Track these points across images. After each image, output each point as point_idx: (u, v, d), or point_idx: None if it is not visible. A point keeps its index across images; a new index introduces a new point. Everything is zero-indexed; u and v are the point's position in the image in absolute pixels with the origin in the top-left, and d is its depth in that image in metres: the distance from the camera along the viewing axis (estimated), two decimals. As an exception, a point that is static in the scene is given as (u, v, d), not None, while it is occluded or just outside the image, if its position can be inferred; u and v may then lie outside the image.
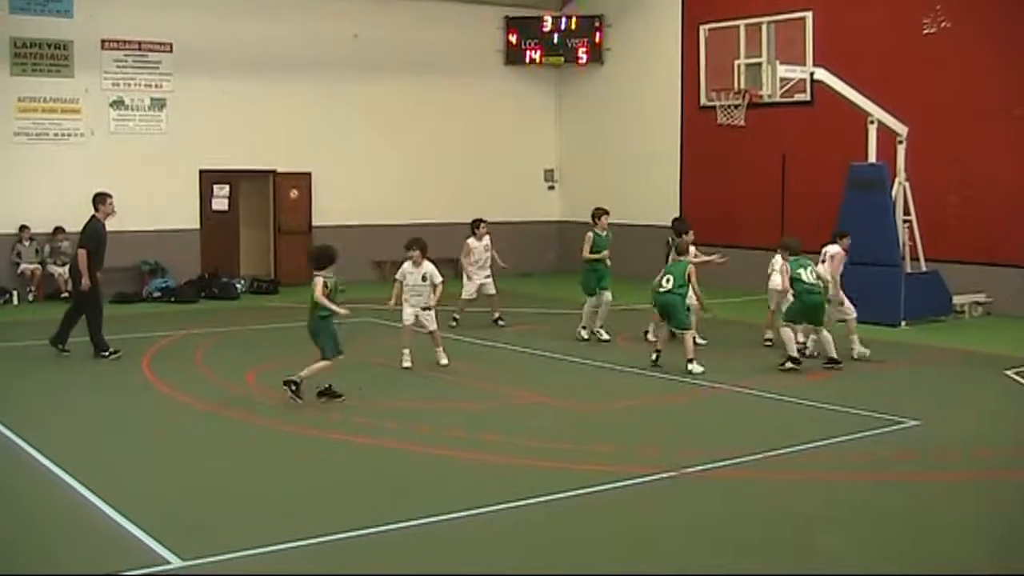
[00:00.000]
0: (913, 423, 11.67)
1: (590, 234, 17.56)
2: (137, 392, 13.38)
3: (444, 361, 14.92)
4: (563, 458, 10.14)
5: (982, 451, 10.69)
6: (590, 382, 14.47)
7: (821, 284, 14.89)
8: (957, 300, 20.13)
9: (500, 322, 19.03)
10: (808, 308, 14.72)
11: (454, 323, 18.52)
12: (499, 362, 16.03)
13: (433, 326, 14.97)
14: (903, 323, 18.90)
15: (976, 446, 10.88)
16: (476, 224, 19.35)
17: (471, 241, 19.22)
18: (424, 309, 14.72)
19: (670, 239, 16.96)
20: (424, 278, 14.70)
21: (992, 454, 10.61)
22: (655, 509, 8.82)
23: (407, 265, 14.82)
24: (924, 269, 20.02)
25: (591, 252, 17.42)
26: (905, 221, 19.99)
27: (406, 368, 14.64)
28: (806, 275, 14.71)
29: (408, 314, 14.76)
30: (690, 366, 14.35)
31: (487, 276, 19.13)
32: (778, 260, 15.55)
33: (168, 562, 7.38)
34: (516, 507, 8.61)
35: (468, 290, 19.11)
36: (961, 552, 7.89)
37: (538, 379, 14.57)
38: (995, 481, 9.77)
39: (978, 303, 20.48)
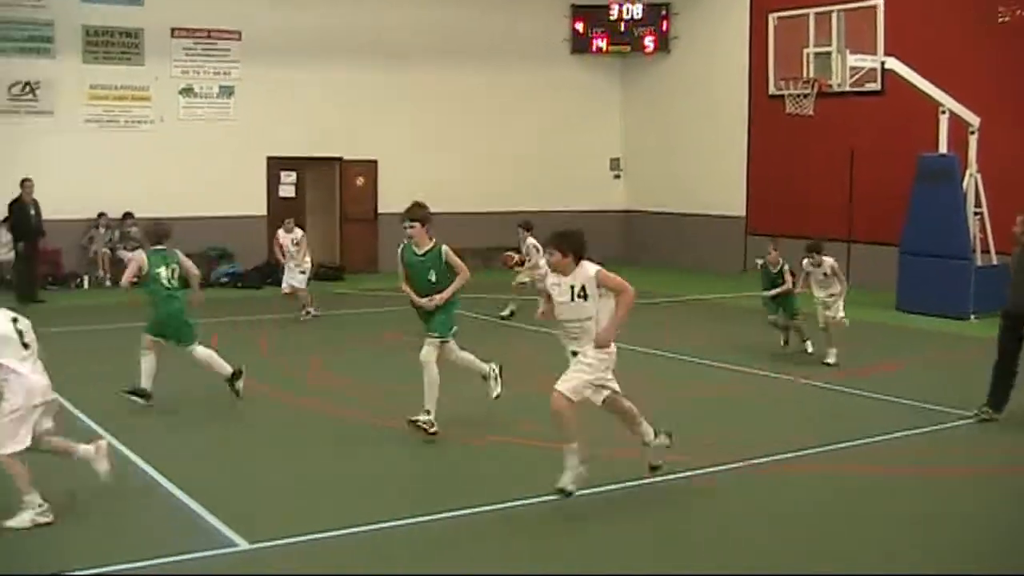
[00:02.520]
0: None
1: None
2: (201, 377, 13.48)
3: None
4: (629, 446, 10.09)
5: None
6: (659, 371, 14.41)
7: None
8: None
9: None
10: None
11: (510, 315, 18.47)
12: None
13: None
14: (972, 317, 18.64)
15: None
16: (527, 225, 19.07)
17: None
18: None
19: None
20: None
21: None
22: (728, 500, 8.77)
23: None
24: (995, 262, 19.71)
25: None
26: (976, 213, 19.71)
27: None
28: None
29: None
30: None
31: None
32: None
33: (235, 544, 7.48)
34: (588, 495, 8.60)
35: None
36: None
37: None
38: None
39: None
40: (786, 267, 15.37)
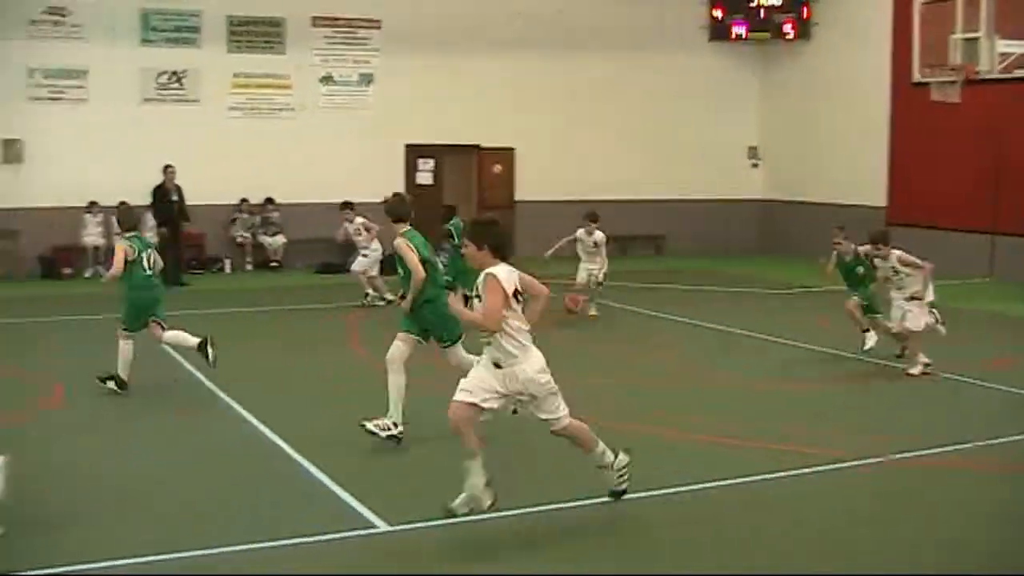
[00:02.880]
0: None
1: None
2: (342, 359, 13.70)
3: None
4: (750, 438, 9.97)
5: None
6: (785, 361, 14.22)
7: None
8: None
9: None
10: None
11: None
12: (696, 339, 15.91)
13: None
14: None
15: None
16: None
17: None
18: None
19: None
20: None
21: None
22: (853, 497, 8.62)
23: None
24: None
25: None
26: None
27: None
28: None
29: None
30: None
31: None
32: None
33: (375, 526, 7.58)
34: (707, 488, 8.56)
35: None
36: None
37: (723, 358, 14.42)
38: None
39: None
40: (861, 252, 14.00)
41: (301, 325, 17.07)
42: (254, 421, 10.56)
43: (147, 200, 21.27)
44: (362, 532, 7.52)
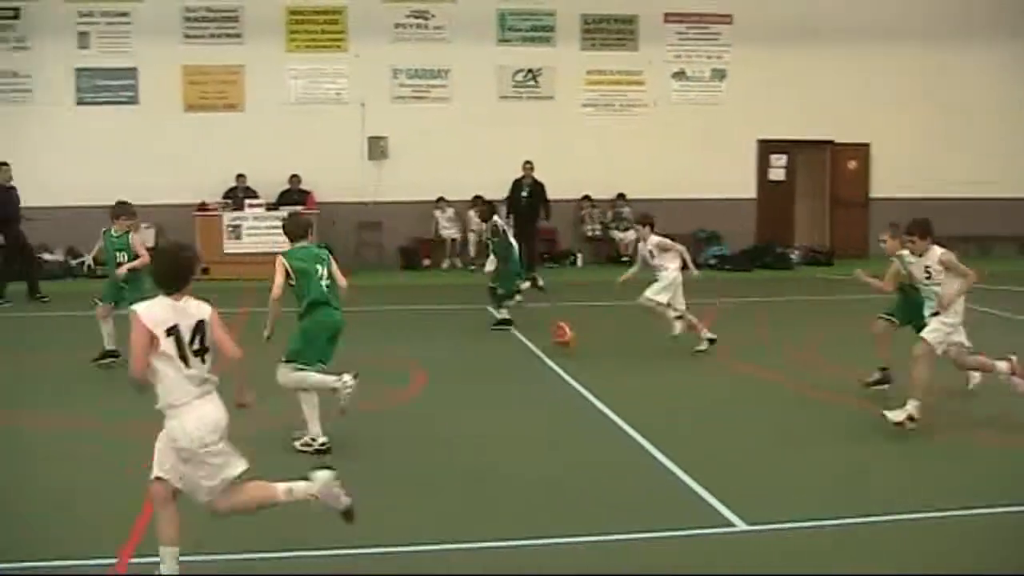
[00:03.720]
0: None
1: None
2: (696, 358, 13.59)
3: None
4: None
5: None
6: None
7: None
8: None
9: None
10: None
11: None
12: None
13: None
14: None
15: None
16: None
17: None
18: None
19: None
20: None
21: None
22: None
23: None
24: None
25: None
26: None
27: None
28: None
29: None
30: None
31: None
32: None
33: (733, 525, 7.42)
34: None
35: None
36: None
37: None
38: None
39: None
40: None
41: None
42: (604, 408, 10.60)
43: (501, 195, 21.98)
44: (720, 530, 7.36)
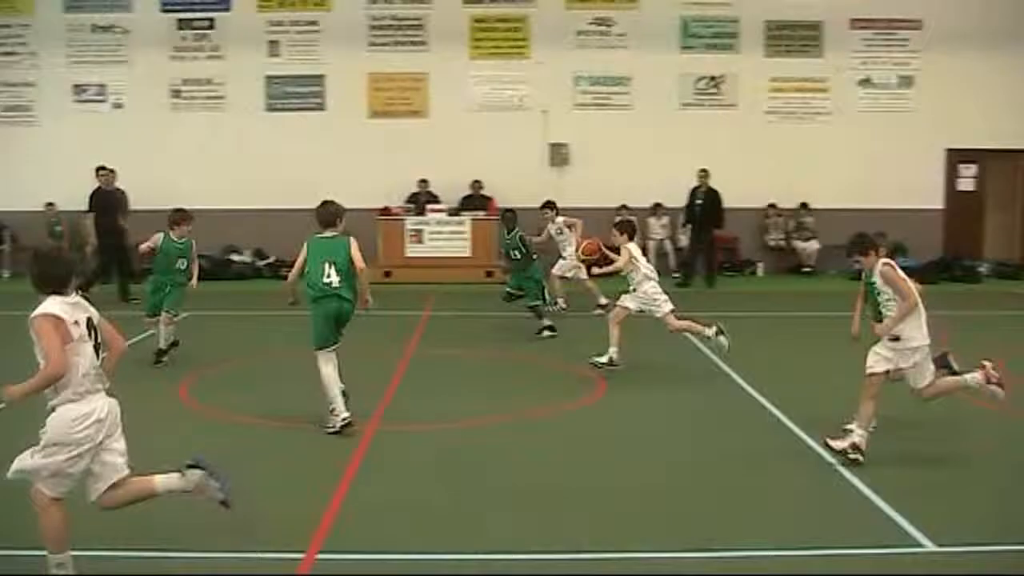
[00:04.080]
0: None
1: None
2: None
3: None
4: None
5: None
6: None
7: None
8: None
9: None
10: None
11: None
12: None
13: None
14: None
15: None
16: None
17: None
18: None
19: None
20: None
21: None
22: None
23: None
24: None
25: None
26: None
27: None
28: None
29: None
30: None
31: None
32: None
33: (922, 545, 7.26)
34: None
35: None
36: None
37: None
38: None
39: None
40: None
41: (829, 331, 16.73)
42: (790, 424, 10.48)
43: (681, 203, 22.16)
44: (906, 550, 7.21)
